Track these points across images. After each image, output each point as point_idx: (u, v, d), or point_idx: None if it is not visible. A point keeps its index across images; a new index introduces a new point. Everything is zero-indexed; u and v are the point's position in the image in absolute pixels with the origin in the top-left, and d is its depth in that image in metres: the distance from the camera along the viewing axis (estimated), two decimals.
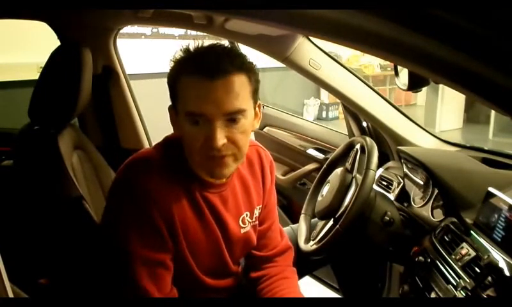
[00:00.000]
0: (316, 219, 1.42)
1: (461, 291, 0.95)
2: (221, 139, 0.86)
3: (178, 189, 0.94)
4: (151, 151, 0.98)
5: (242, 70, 0.88)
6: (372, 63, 8.22)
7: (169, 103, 0.96)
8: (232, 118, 0.87)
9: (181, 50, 0.91)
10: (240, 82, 0.87)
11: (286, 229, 1.47)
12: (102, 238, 1.01)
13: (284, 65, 1.58)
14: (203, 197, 0.98)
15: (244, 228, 1.06)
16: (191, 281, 1.01)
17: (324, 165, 1.52)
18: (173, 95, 0.92)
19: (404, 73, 1.28)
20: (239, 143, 0.90)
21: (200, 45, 0.90)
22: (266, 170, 1.11)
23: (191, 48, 0.90)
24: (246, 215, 1.07)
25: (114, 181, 0.97)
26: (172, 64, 0.91)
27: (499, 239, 0.95)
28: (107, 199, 1.00)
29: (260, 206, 1.11)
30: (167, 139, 1.01)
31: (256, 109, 0.96)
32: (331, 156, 1.52)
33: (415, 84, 1.24)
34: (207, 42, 0.93)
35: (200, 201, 0.97)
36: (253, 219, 1.09)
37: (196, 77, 0.85)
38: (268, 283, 1.11)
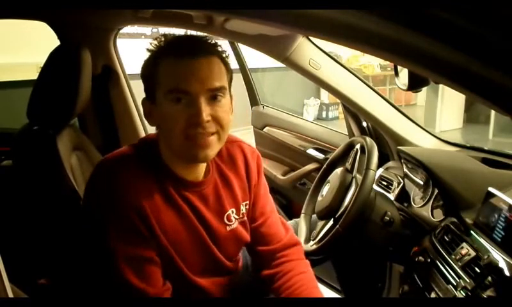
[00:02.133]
0: (316, 218, 1.42)
1: (461, 291, 0.95)
2: (206, 113, 0.87)
3: (152, 187, 0.93)
4: (124, 150, 0.98)
5: (220, 56, 0.93)
6: (372, 63, 8.22)
7: None
8: (215, 95, 0.89)
9: (156, 39, 0.93)
10: (219, 64, 0.92)
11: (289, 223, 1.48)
12: (93, 238, 1.00)
13: (284, 65, 1.58)
14: (181, 195, 0.96)
15: (230, 225, 1.05)
16: (183, 284, 1.00)
17: (324, 165, 1.52)
18: (150, 82, 0.93)
19: (404, 73, 1.28)
20: (223, 121, 0.91)
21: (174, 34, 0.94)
22: (251, 165, 1.09)
23: (167, 37, 0.93)
24: (232, 211, 1.05)
25: (88, 182, 0.97)
26: (148, 54, 0.93)
27: (499, 239, 0.95)
28: (83, 201, 0.99)
29: (247, 202, 1.09)
30: (142, 139, 1.02)
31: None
32: (331, 156, 1.52)
33: (415, 84, 1.24)
34: None
35: (177, 200, 0.96)
36: (240, 215, 1.07)
37: (178, 57, 0.88)
38: (284, 280, 1.07)
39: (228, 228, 1.05)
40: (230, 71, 0.95)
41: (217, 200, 1.02)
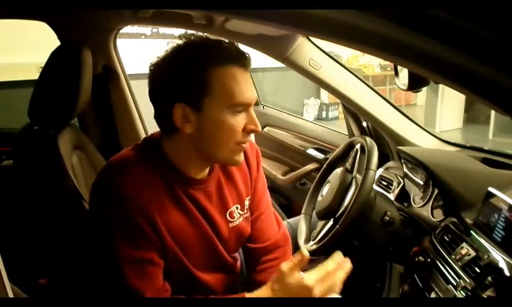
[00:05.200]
0: (316, 218, 1.42)
1: (461, 291, 0.95)
2: None
3: (159, 188, 0.93)
4: (128, 152, 0.97)
5: None
6: (372, 63, 8.22)
7: None
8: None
9: (190, 41, 0.92)
10: None
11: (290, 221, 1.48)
12: (94, 240, 1.00)
13: (284, 65, 1.58)
14: (187, 194, 0.97)
15: (233, 221, 1.06)
16: (186, 279, 1.01)
17: (324, 165, 1.52)
18: (196, 88, 0.88)
19: (404, 73, 1.28)
20: None
21: (206, 35, 0.96)
22: (251, 159, 1.10)
23: (203, 37, 0.95)
24: (236, 208, 1.06)
25: (93, 185, 0.97)
26: (191, 54, 0.90)
27: (499, 239, 0.95)
28: (89, 204, 0.99)
29: (249, 196, 1.10)
30: (146, 139, 1.02)
31: None
32: (331, 156, 1.52)
33: (415, 84, 1.24)
34: None
35: (183, 198, 0.96)
36: (245, 211, 1.08)
37: (235, 67, 0.90)
38: None
39: (231, 225, 1.05)
40: None
41: (220, 197, 1.03)
